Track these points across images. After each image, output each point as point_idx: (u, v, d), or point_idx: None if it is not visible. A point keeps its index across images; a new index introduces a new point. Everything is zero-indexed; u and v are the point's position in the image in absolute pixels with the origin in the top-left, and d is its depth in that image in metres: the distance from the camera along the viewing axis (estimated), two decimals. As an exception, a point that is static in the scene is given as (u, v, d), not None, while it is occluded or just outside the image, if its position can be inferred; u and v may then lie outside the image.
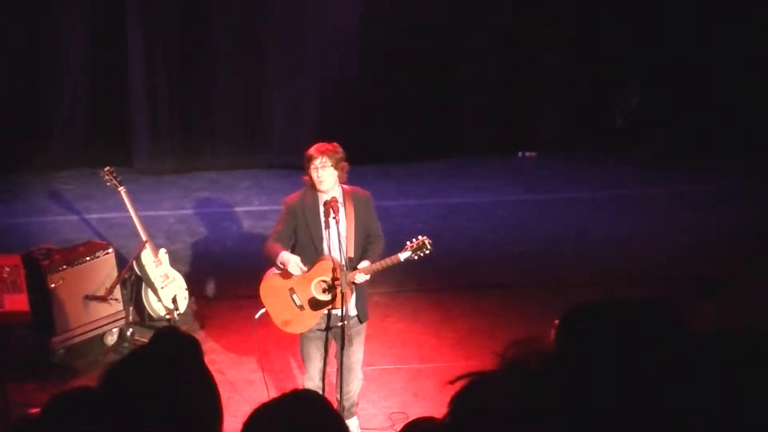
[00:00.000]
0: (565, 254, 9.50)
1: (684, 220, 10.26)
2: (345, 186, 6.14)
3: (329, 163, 5.95)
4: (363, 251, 6.13)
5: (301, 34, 11.70)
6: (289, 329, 6.23)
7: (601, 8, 12.34)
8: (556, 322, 1.85)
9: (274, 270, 6.19)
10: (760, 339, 1.81)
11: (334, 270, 5.97)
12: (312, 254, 6.10)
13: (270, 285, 6.20)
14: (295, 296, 6.12)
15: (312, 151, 6.00)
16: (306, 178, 6.07)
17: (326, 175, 5.95)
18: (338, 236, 5.89)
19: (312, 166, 5.96)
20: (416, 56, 11.95)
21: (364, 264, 6.04)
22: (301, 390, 4.20)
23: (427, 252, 6.12)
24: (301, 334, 6.25)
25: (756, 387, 1.73)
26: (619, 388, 1.67)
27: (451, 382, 1.75)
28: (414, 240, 6.13)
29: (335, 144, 6.07)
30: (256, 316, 6.25)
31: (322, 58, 11.86)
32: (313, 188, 6.05)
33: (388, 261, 6.06)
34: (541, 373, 1.66)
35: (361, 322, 6.27)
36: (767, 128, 12.09)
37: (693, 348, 1.77)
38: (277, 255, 6.03)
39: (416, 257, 6.12)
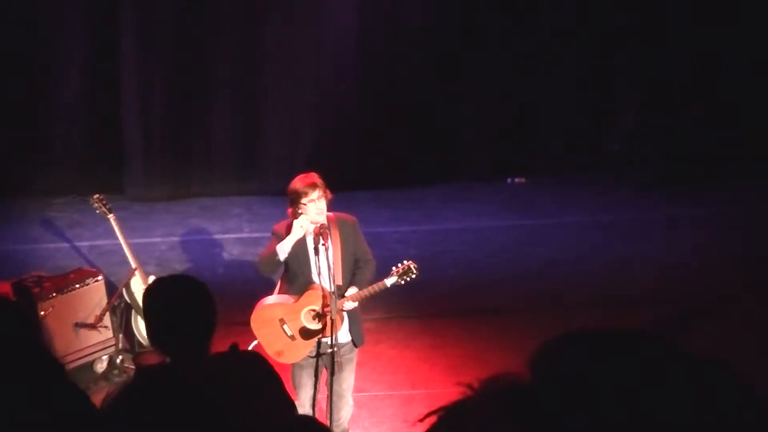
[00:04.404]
0: (560, 279, 9.47)
1: (681, 244, 10.23)
2: (329, 213, 6.11)
3: (323, 194, 5.94)
4: (352, 277, 6.11)
5: (296, 60, 11.72)
6: (282, 360, 6.18)
7: (597, 32, 12.37)
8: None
9: (267, 300, 6.17)
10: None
11: (324, 298, 5.95)
12: (302, 283, 6.08)
13: (260, 316, 6.16)
14: (285, 326, 6.09)
15: (303, 186, 5.92)
16: (290, 211, 6.03)
17: (323, 206, 5.95)
18: (327, 263, 5.86)
19: (308, 200, 5.91)
20: (411, 84, 11.97)
21: (352, 291, 6.02)
22: (300, 416, 4.20)
23: (414, 276, 6.10)
24: (293, 363, 6.22)
25: (741, 413, 1.71)
26: (594, 419, 1.65)
27: (421, 420, 1.72)
28: (400, 265, 6.11)
29: (315, 173, 6.06)
30: (250, 347, 6.21)
31: (316, 85, 11.88)
32: (296, 218, 6.02)
33: (375, 287, 6.04)
34: (515, 405, 1.64)
35: (356, 346, 6.24)
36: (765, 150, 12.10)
37: (675, 379, 1.74)
38: (273, 250, 6.00)
39: (402, 282, 6.10)
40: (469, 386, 1.71)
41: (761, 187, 11.64)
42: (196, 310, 3.72)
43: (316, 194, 5.90)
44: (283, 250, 5.99)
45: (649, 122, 12.63)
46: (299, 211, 5.94)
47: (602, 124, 12.82)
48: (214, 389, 3.52)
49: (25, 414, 3.08)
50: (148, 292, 3.82)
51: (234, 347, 3.86)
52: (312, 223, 5.96)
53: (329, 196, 6.00)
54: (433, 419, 1.70)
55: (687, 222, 10.90)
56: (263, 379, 3.78)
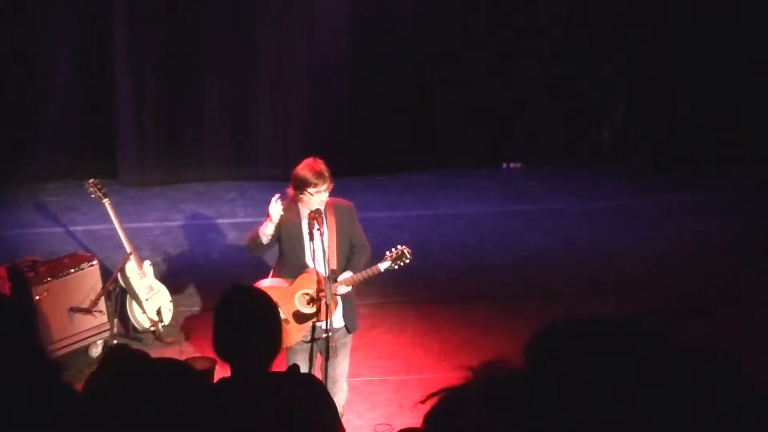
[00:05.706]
0: (553, 266, 9.49)
1: (674, 231, 10.25)
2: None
3: (329, 185, 5.95)
4: (347, 262, 6.13)
5: (288, 46, 11.69)
6: (275, 343, 6.20)
7: (590, 23, 12.36)
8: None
9: (261, 283, 6.17)
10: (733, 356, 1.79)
11: (318, 282, 5.97)
12: (295, 267, 6.09)
13: None
14: (279, 310, 6.09)
15: (312, 176, 5.90)
16: (290, 191, 6.05)
17: (326, 197, 5.97)
18: (322, 248, 5.87)
19: (315, 191, 5.92)
20: (403, 69, 11.94)
21: (345, 275, 6.04)
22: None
23: (407, 261, 6.12)
24: (287, 347, 6.23)
25: (731, 404, 1.72)
26: (589, 407, 1.67)
27: (423, 402, 1.75)
28: (393, 250, 6.13)
29: (321, 161, 6.05)
30: None
31: (309, 71, 11.85)
32: (294, 201, 6.04)
33: (368, 272, 6.06)
34: (513, 391, 1.66)
35: (349, 332, 6.25)
36: (758, 140, 12.12)
37: (667, 366, 1.75)
38: (257, 232, 6.08)
39: (396, 267, 6.12)
40: (470, 369, 1.73)
41: (752, 176, 11.68)
42: (268, 326, 3.74)
43: (324, 186, 5.91)
44: (265, 233, 6.05)
45: (640, 113, 12.65)
46: (301, 196, 5.96)
47: (598, 113, 12.83)
48: (262, 407, 3.53)
49: (20, 416, 3.07)
50: (224, 302, 3.81)
51: (294, 368, 3.90)
52: (307, 208, 5.98)
53: (332, 185, 6.01)
54: (433, 401, 1.72)
55: (679, 210, 10.92)
56: (315, 405, 3.78)
